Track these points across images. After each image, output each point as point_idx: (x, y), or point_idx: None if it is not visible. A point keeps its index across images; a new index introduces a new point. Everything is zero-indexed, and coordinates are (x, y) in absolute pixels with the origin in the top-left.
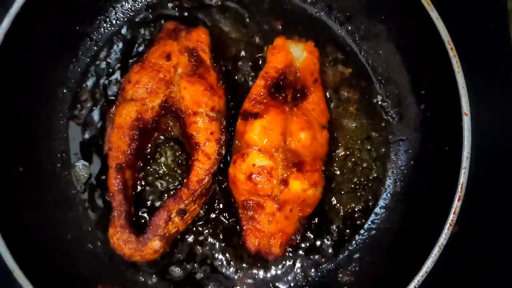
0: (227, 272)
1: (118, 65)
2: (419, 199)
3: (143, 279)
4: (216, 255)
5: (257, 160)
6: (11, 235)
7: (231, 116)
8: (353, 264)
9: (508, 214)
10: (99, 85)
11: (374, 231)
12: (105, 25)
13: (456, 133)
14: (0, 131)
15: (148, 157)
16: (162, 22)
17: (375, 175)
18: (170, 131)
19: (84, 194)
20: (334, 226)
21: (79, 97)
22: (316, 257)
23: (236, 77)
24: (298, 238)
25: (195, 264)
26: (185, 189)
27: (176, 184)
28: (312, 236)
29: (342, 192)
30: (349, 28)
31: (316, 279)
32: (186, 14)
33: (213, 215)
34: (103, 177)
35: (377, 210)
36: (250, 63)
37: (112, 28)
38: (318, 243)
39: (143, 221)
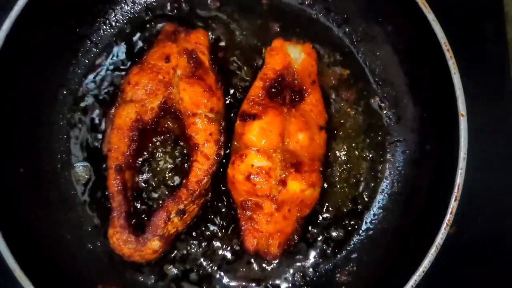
0: (226, 272)
1: (118, 66)
2: (416, 199)
3: (142, 279)
4: (215, 255)
5: (255, 161)
6: (12, 235)
7: (230, 117)
8: (351, 264)
9: (505, 214)
10: (98, 86)
11: (371, 231)
12: (104, 27)
13: (453, 134)
14: (0, 132)
15: (148, 158)
16: (161, 24)
17: (372, 175)
18: (169, 132)
19: (84, 195)
20: (332, 227)
21: (79, 98)
22: (314, 257)
23: (234, 79)
24: (296, 238)
25: (194, 264)
26: (184, 190)
27: (175, 184)
28: (310, 236)
29: (340, 193)
30: (347, 30)
31: (314, 279)
32: (185, 16)
33: (212, 215)
34: (103, 178)
35: (374, 210)
36: (248, 65)
37: (112, 30)
38: (316, 243)
39: (142, 221)
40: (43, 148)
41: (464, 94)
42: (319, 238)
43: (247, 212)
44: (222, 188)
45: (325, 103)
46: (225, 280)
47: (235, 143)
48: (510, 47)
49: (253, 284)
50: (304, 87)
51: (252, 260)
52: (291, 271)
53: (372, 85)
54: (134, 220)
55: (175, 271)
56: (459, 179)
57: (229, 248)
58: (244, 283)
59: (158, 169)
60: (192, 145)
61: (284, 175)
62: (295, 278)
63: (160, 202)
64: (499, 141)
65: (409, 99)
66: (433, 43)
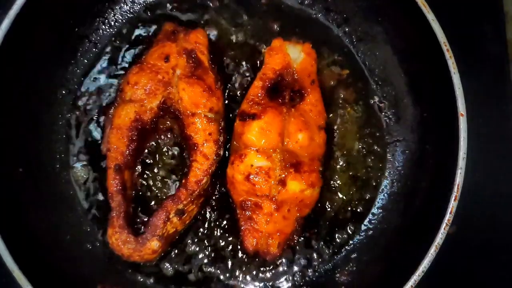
0: (225, 273)
1: (117, 66)
2: (416, 199)
3: (142, 279)
4: (214, 255)
5: (255, 161)
6: (10, 235)
7: (229, 117)
8: (351, 264)
9: (504, 213)
10: (98, 86)
11: (371, 231)
12: (103, 26)
13: (452, 134)
14: (0, 132)
15: (147, 157)
16: (161, 23)
17: (372, 175)
18: (168, 132)
19: (83, 195)
20: (332, 227)
21: (78, 98)
22: (313, 257)
23: (234, 78)
24: (296, 238)
25: (193, 264)
26: (184, 190)
27: (174, 184)
28: (309, 236)
29: (340, 192)
30: (347, 29)
31: (314, 279)
32: (184, 15)
33: (211, 215)
34: (102, 178)
35: (374, 210)
36: (248, 65)
37: (111, 30)
38: (315, 243)
39: (141, 221)
40: (42, 148)
41: (464, 94)
42: (319, 238)
43: (247, 212)
44: (222, 188)
45: (325, 103)
46: (224, 280)
47: (235, 143)
48: (510, 47)
49: (253, 284)
50: (304, 87)
51: (252, 260)
52: (291, 271)
53: (371, 85)
54: (133, 220)
55: (174, 271)
56: (459, 179)
57: (228, 248)
58: (243, 283)
59: (157, 169)
60: (192, 145)
61: (283, 175)
62: (295, 278)
63: (160, 202)
64: (499, 141)
65: (409, 99)
66: (433, 43)
